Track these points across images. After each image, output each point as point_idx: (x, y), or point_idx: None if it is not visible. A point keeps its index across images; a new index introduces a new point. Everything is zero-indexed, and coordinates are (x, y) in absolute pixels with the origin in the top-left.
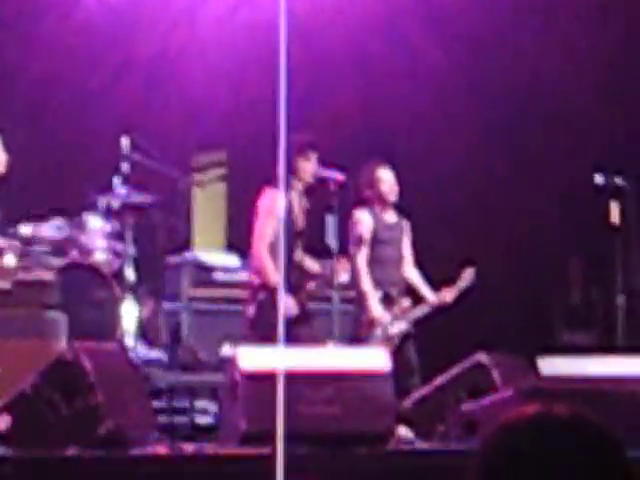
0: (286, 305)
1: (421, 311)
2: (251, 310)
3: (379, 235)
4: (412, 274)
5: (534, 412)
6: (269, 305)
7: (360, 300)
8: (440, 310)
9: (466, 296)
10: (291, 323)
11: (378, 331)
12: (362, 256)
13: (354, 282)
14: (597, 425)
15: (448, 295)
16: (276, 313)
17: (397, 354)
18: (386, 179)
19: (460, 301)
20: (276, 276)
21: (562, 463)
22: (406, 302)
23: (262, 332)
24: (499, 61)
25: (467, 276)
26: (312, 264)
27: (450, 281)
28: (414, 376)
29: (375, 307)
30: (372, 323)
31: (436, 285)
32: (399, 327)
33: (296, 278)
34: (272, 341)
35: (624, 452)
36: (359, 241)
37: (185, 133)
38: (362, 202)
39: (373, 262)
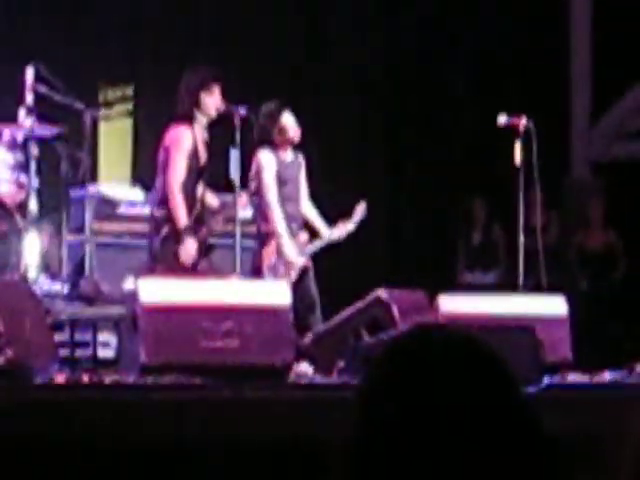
0: (186, 250)
1: (318, 245)
2: (156, 243)
3: (281, 175)
4: (308, 209)
5: (422, 330)
6: (173, 239)
7: (268, 237)
8: (336, 244)
9: (359, 231)
10: (194, 264)
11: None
12: (274, 197)
13: (263, 220)
14: (491, 352)
15: (343, 229)
16: (179, 247)
17: (297, 288)
18: (291, 124)
19: (355, 236)
20: (185, 218)
21: (448, 386)
22: (304, 236)
23: (165, 265)
24: None
25: (360, 211)
26: (213, 199)
27: (345, 215)
28: (315, 311)
29: (291, 251)
30: (287, 265)
31: (332, 220)
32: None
33: (198, 213)
34: (175, 274)
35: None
36: (269, 185)
37: (92, 66)
38: (264, 141)
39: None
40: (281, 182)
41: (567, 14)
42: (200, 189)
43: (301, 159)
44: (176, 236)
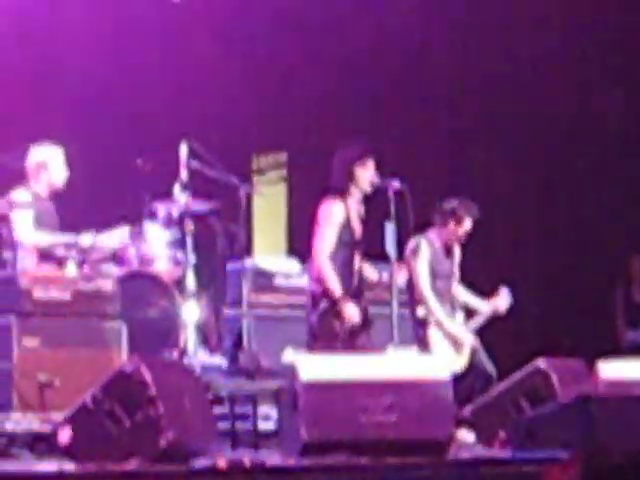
0: (349, 313)
1: (477, 322)
2: (313, 318)
3: (436, 267)
4: (460, 291)
5: None
6: (331, 314)
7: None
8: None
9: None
10: (353, 331)
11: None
12: (427, 286)
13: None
14: None
15: (501, 303)
16: (337, 322)
17: (472, 367)
18: (466, 228)
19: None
20: (338, 286)
21: None
22: (460, 316)
23: (324, 341)
24: None
25: (503, 294)
26: (371, 272)
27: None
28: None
29: (459, 331)
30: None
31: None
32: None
33: (356, 286)
34: (334, 350)
35: None
36: (422, 274)
37: (244, 136)
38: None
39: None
40: (435, 275)
41: None
42: (357, 262)
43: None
44: (334, 309)
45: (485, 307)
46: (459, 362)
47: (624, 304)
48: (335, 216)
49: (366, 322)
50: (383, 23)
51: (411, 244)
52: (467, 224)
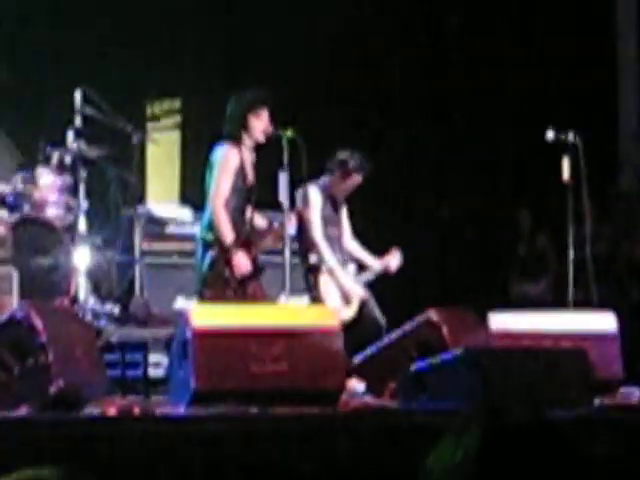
0: (238, 262)
1: (367, 277)
2: (205, 266)
3: (325, 214)
4: (352, 246)
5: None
6: (222, 261)
7: (317, 269)
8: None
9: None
10: (243, 280)
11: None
12: (320, 234)
13: (310, 251)
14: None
15: (392, 263)
16: (228, 269)
17: (361, 317)
18: (354, 183)
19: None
20: (231, 234)
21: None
22: (351, 267)
23: (215, 289)
24: None
25: (395, 256)
26: (261, 221)
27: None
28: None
29: (350, 284)
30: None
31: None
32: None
33: (247, 235)
34: (225, 297)
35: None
36: (316, 223)
37: (138, 82)
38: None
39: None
40: (325, 222)
41: (614, 23)
42: (249, 210)
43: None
44: (225, 257)
45: (377, 265)
46: (348, 311)
47: (512, 257)
48: (230, 162)
49: (256, 271)
50: None
51: (302, 191)
52: (356, 178)
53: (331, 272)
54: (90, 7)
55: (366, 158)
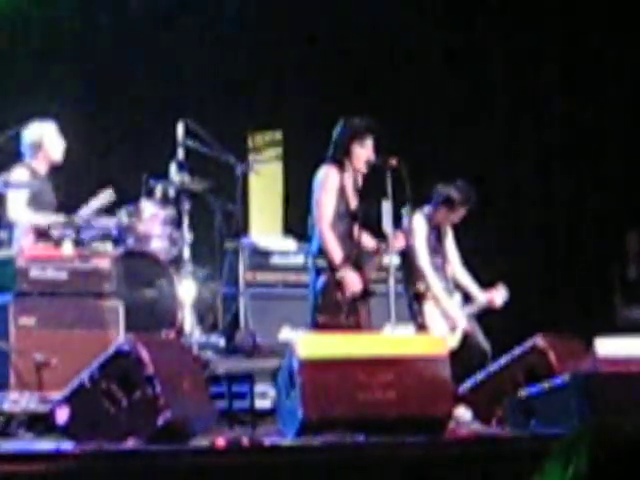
0: (350, 280)
1: (471, 309)
2: (316, 291)
3: (431, 244)
4: (460, 273)
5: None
6: (333, 285)
7: (421, 297)
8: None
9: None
10: (355, 301)
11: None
12: (427, 263)
13: (415, 279)
14: None
15: (498, 298)
16: (340, 292)
17: (466, 347)
18: (458, 215)
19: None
20: (340, 254)
21: None
22: (457, 297)
23: (327, 313)
24: None
25: (500, 293)
26: (370, 241)
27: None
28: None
29: (455, 312)
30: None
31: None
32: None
33: (356, 257)
34: (338, 323)
35: None
36: (421, 250)
37: (240, 114)
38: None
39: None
40: (430, 251)
41: None
42: (355, 233)
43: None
44: (336, 280)
45: (482, 297)
46: (453, 340)
47: (620, 281)
48: (329, 181)
49: (367, 292)
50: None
51: (409, 219)
52: (461, 211)
53: (436, 299)
54: (189, 38)
55: (472, 189)
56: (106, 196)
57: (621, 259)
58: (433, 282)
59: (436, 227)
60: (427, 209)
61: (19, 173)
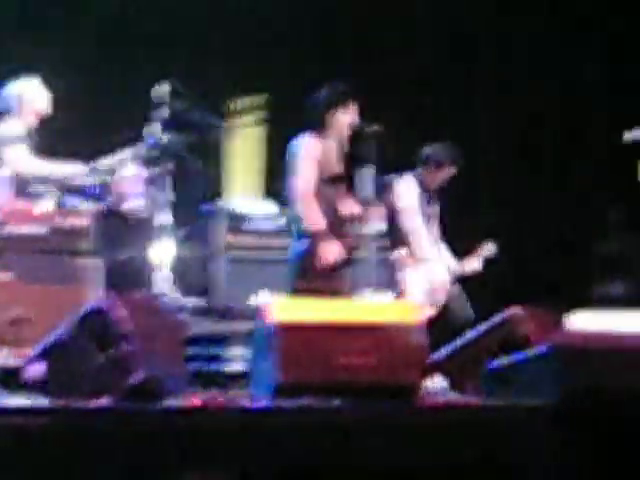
0: (325, 250)
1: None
2: (295, 256)
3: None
4: (439, 246)
5: None
6: (312, 251)
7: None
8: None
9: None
10: (334, 269)
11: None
12: (419, 222)
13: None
14: None
15: (471, 265)
16: (320, 260)
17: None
18: (445, 177)
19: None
20: (319, 221)
21: None
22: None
23: (305, 280)
24: None
25: (487, 248)
26: (355, 207)
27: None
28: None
29: (441, 273)
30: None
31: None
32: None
33: (340, 224)
34: (317, 288)
35: None
36: (413, 210)
37: (224, 75)
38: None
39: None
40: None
41: None
42: (341, 197)
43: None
44: (314, 247)
45: (456, 267)
46: (432, 307)
47: (599, 257)
48: (308, 151)
49: (348, 259)
50: None
51: (394, 184)
52: (448, 170)
53: (421, 261)
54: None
55: (457, 148)
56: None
57: (602, 235)
58: (422, 242)
59: (427, 191)
60: (415, 173)
61: (13, 125)
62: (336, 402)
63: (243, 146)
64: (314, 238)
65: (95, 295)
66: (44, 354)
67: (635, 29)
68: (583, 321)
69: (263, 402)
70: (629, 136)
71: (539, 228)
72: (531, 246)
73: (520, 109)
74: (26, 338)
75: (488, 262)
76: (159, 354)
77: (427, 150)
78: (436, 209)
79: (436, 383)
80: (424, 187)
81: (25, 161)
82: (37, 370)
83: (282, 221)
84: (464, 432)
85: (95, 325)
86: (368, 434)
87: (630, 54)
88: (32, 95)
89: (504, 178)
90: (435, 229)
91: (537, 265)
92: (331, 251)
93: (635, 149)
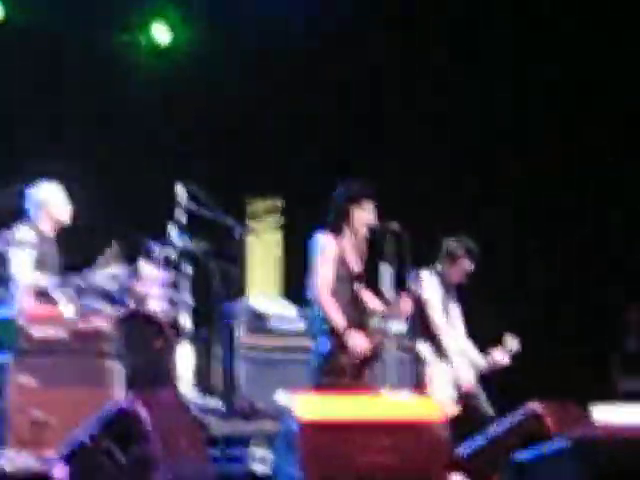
0: (355, 343)
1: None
2: (320, 356)
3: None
4: (465, 342)
5: None
6: (338, 349)
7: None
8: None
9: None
10: (360, 367)
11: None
12: (441, 318)
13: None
14: None
15: (497, 360)
16: (345, 356)
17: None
18: (465, 270)
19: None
20: (342, 319)
21: None
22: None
23: (332, 378)
24: None
25: (510, 342)
26: (374, 303)
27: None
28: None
29: (463, 370)
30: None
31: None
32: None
33: (361, 319)
34: (341, 386)
35: None
36: (436, 306)
37: (240, 180)
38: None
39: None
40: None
41: None
42: (359, 296)
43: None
44: (340, 344)
45: (481, 362)
46: (455, 405)
47: (620, 352)
48: (326, 250)
49: (374, 355)
50: None
51: (418, 277)
52: (465, 263)
53: (445, 357)
54: (199, 101)
55: (473, 243)
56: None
57: (621, 331)
58: (444, 336)
59: (448, 285)
60: (437, 267)
61: (24, 232)
62: None
63: (261, 248)
64: (339, 335)
65: (117, 397)
66: (68, 457)
67: None
68: (605, 414)
69: None
70: None
71: (561, 325)
72: (554, 343)
73: None
74: (46, 441)
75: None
76: (183, 453)
77: (443, 246)
78: (459, 306)
79: None
80: (445, 281)
81: (23, 270)
82: (61, 473)
83: (301, 323)
84: None
85: (118, 426)
86: None
87: None
88: (54, 203)
89: (524, 268)
90: (459, 324)
91: (559, 363)
92: (361, 343)
93: None
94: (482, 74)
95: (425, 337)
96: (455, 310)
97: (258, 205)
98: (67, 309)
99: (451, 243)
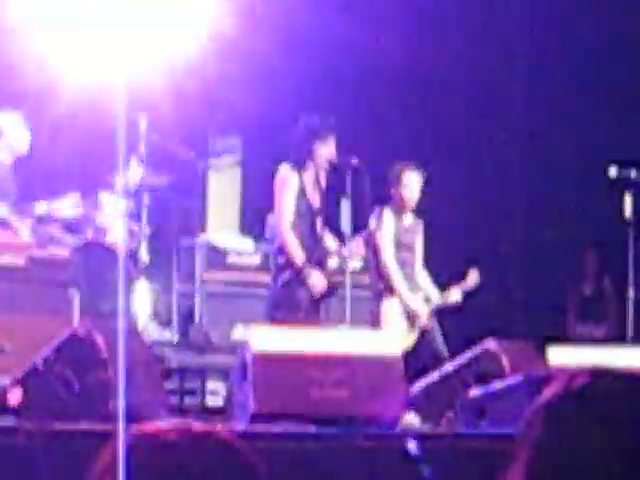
0: (314, 280)
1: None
2: (276, 288)
3: (399, 238)
4: (420, 275)
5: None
6: (295, 283)
7: (383, 294)
8: (444, 309)
9: (470, 296)
10: (316, 302)
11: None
12: (392, 258)
13: (378, 277)
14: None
15: (452, 296)
16: (301, 290)
17: (422, 343)
18: (410, 185)
19: (465, 301)
20: (301, 255)
21: None
22: (420, 295)
23: (287, 311)
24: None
25: (472, 277)
26: (331, 242)
27: (457, 280)
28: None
29: (417, 305)
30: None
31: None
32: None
33: (319, 254)
34: (296, 320)
35: None
36: (386, 246)
37: (201, 118)
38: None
39: None
40: (398, 246)
41: None
42: (318, 231)
43: (419, 223)
44: (297, 278)
45: (438, 298)
46: (411, 338)
47: (576, 298)
48: (289, 183)
49: (330, 291)
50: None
51: (374, 215)
52: (411, 184)
53: (399, 295)
54: None
55: (412, 164)
56: (74, 200)
57: (579, 276)
58: (396, 278)
59: (402, 215)
60: (391, 204)
61: None
62: (312, 428)
63: (221, 183)
64: (297, 270)
65: (72, 325)
66: (22, 381)
67: None
68: (560, 356)
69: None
70: (614, 172)
71: (520, 266)
72: (510, 282)
73: None
74: (2, 368)
75: (469, 293)
76: (138, 382)
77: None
78: (419, 237)
79: (410, 420)
80: (399, 211)
81: None
82: (15, 396)
83: (258, 257)
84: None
85: (72, 352)
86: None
87: None
88: (12, 132)
89: (481, 210)
90: (416, 258)
91: (514, 305)
92: (318, 279)
93: (620, 185)
94: None
95: (379, 274)
96: (418, 239)
97: (218, 143)
98: (25, 236)
99: (395, 168)
